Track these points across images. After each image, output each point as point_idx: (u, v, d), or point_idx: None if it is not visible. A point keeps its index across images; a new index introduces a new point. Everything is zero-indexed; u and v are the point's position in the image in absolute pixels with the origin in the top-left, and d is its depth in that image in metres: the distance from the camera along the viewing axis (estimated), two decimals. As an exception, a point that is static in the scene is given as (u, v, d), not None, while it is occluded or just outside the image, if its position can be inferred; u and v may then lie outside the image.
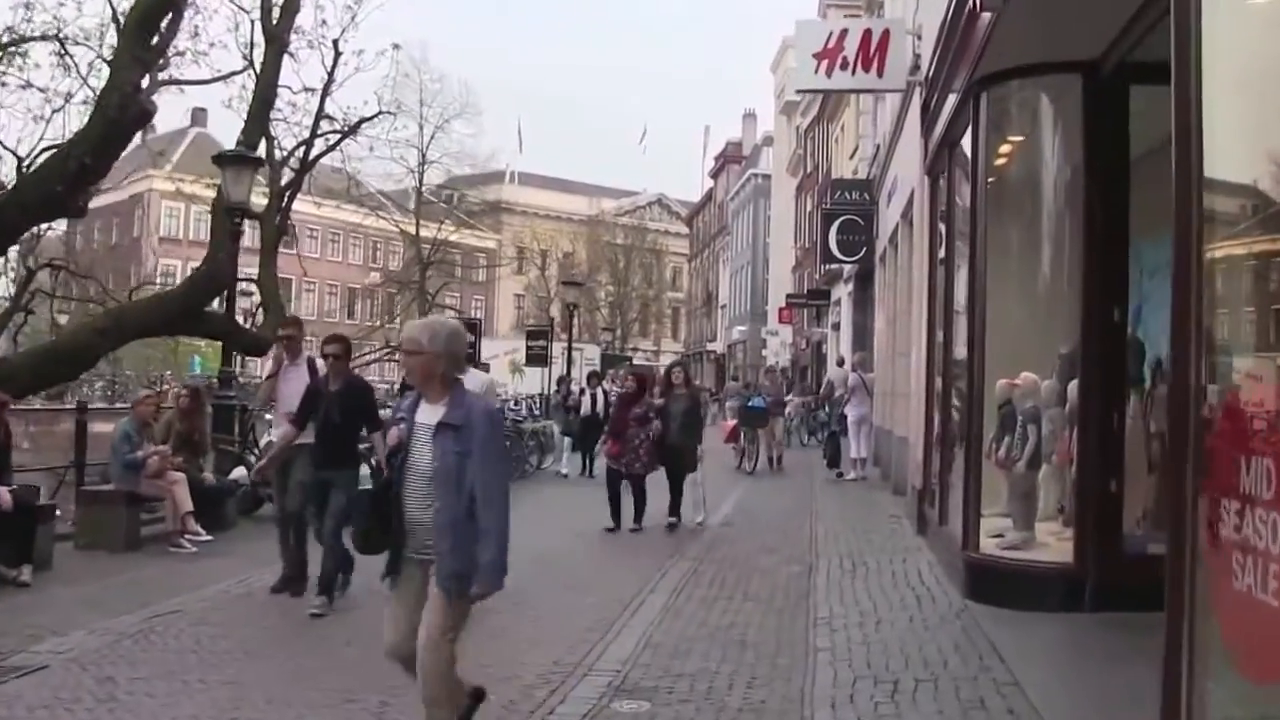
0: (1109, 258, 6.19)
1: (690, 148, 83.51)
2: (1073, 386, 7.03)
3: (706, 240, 66.06)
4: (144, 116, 10.44)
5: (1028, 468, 6.99)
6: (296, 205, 16.27)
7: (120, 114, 9.66)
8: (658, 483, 10.35)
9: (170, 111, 14.65)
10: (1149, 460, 6.59)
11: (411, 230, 26.15)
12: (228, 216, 11.37)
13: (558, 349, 23.50)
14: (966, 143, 7.70)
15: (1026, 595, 6.23)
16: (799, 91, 12.82)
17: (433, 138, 25.71)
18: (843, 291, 25.72)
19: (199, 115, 50.71)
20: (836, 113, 28.69)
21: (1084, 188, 6.29)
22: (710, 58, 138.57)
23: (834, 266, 26.89)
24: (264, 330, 14.17)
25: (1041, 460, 7.09)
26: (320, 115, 14.71)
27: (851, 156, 24.44)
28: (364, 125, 16.51)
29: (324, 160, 25.44)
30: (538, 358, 23.36)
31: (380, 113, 15.90)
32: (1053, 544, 6.98)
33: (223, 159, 11.17)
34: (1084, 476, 6.22)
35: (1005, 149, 7.44)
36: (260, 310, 14.47)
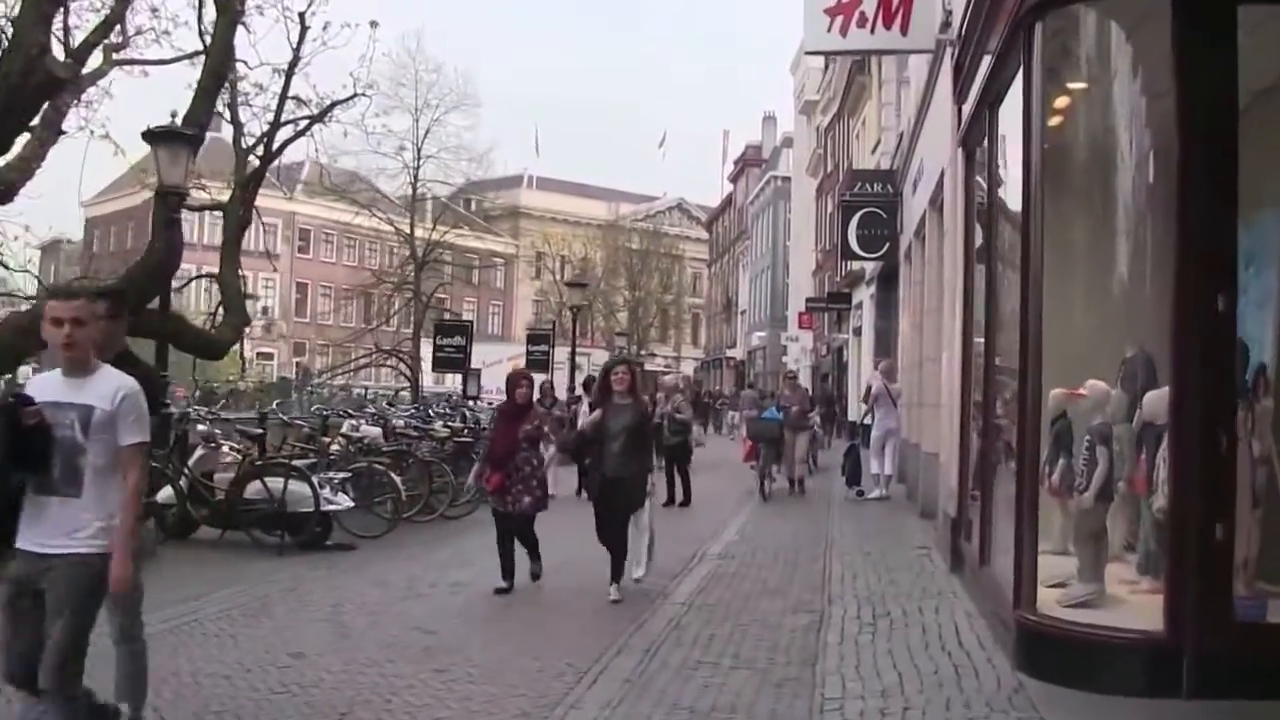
0: (1213, 231, 4.70)
1: (711, 152, 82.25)
2: (1152, 397, 5.55)
3: (726, 245, 64.81)
4: (52, 84, 9.13)
5: (1097, 500, 5.51)
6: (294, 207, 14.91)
7: (23, 80, 8.37)
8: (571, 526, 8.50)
9: (137, 98, 13.52)
10: (1254, 494, 5.12)
11: (414, 230, 24.77)
12: (162, 201, 10.05)
13: (564, 354, 22.14)
14: (1013, 98, 6.23)
15: (1102, 672, 4.74)
16: (808, 53, 11.36)
17: (428, 131, 24.48)
18: (864, 294, 24.23)
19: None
20: (858, 107, 27.21)
21: (1179, 143, 4.78)
22: (731, 61, 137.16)
23: (855, 267, 25.46)
24: (222, 331, 12.84)
25: (1113, 491, 5.61)
26: (285, 96, 13.37)
27: (873, 151, 22.98)
28: (347, 112, 15.22)
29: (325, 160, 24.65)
30: (538, 363, 21.96)
31: (355, 95, 14.44)
32: (1129, 599, 5.49)
33: (154, 136, 9.84)
34: (1180, 515, 4.72)
35: (1063, 101, 5.94)
36: (219, 309, 13.10)
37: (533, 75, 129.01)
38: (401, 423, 12.97)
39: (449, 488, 11.35)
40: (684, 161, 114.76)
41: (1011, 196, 6.56)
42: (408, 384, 22.28)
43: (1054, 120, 5.85)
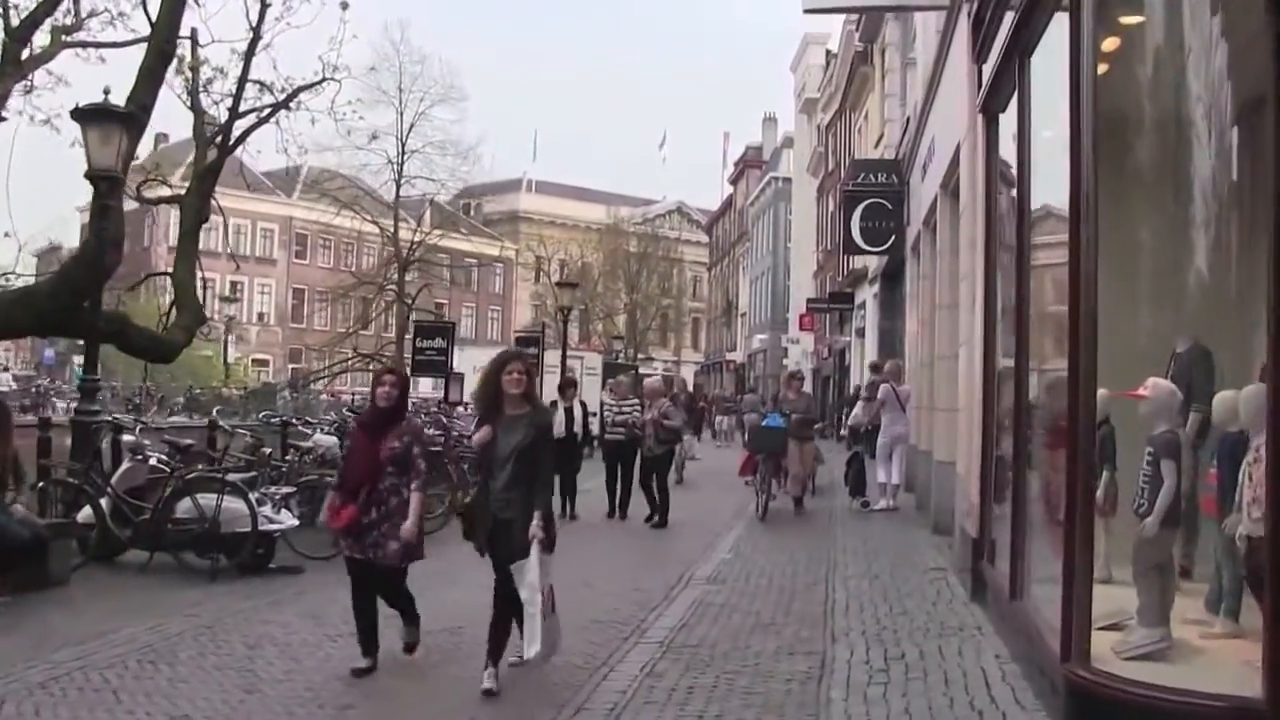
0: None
1: (712, 156, 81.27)
2: (1226, 399, 4.57)
3: (726, 248, 63.99)
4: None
5: (1162, 526, 4.49)
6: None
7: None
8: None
9: (92, 82, 12.55)
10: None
11: (398, 229, 23.63)
12: (94, 186, 9.07)
13: (557, 357, 21.08)
14: (1050, 44, 5.25)
15: (1179, 749, 3.73)
16: (806, 11, 10.24)
17: (413, 125, 23.44)
18: (867, 294, 23.23)
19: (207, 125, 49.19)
20: (860, 100, 26.23)
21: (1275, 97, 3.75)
22: (732, 63, 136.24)
23: (858, 265, 24.49)
24: (173, 332, 11.84)
25: (1180, 517, 4.60)
26: (245, 79, 12.36)
27: (877, 145, 22.00)
28: (319, 100, 14.27)
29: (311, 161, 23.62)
30: (528, 367, 20.91)
31: (324, 80, 13.43)
32: (1204, 649, 4.48)
33: (83, 115, 8.88)
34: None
35: (1112, 43, 4.94)
36: (172, 309, 12.10)
37: (531, 79, 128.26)
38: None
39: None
40: (685, 165, 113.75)
41: (1047, 164, 5.56)
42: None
43: (1104, 67, 4.85)
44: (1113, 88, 4.91)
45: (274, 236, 61.18)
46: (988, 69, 6.94)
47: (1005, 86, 6.49)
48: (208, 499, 7.88)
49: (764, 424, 12.40)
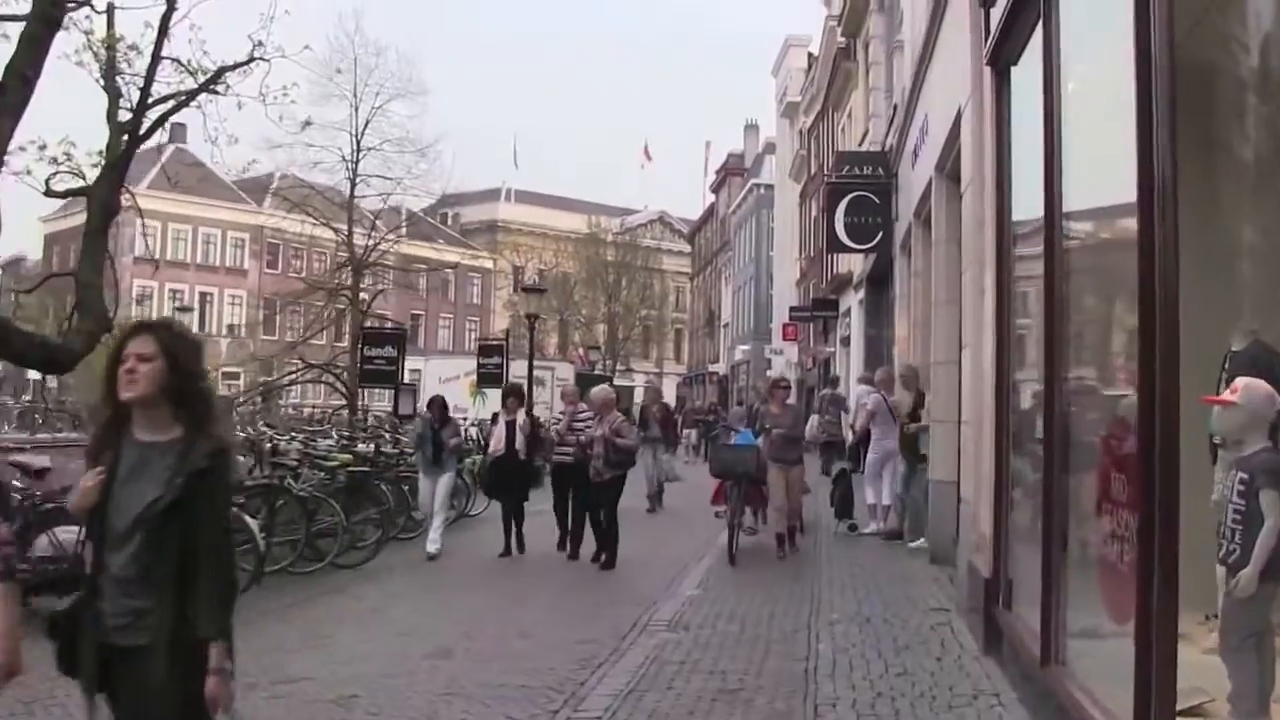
0: None
1: (696, 166, 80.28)
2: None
3: (708, 257, 63.02)
4: None
5: (1263, 581, 3.29)
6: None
7: None
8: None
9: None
10: None
11: (352, 231, 22.18)
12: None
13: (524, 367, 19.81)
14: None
15: None
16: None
17: (368, 122, 22.10)
18: (852, 300, 22.12)
19: (177, 131, 47.68)
20: (843, 99, 25.18)
21: None
22: (715, 72, 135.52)
23: (842, 270, 23.42)
24: (72, 337, 10.48)
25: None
26: (159, 54, 11.06)
27: (861, 143, 20.91)
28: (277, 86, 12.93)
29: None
30: (491, 377, 19.67)
31: (253, 59, 12.09)
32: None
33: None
34: None
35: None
36: (74, 313, 10.75)
37: (516, 88, 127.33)
38: (298, 447, 10.68)
39: (338, 529, 9.12)
40: (669, 176, 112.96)
41: (1088, 121, 4.39)
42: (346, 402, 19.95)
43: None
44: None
45: (245, 246, 59.87)
46: (997, 12, 5.77)
47: (1021, 30, 5.32)
48: (69, 534, 6.57)
49: (733, 443, 10.51)
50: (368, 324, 20.49)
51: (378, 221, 22.16)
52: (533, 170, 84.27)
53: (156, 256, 53.18)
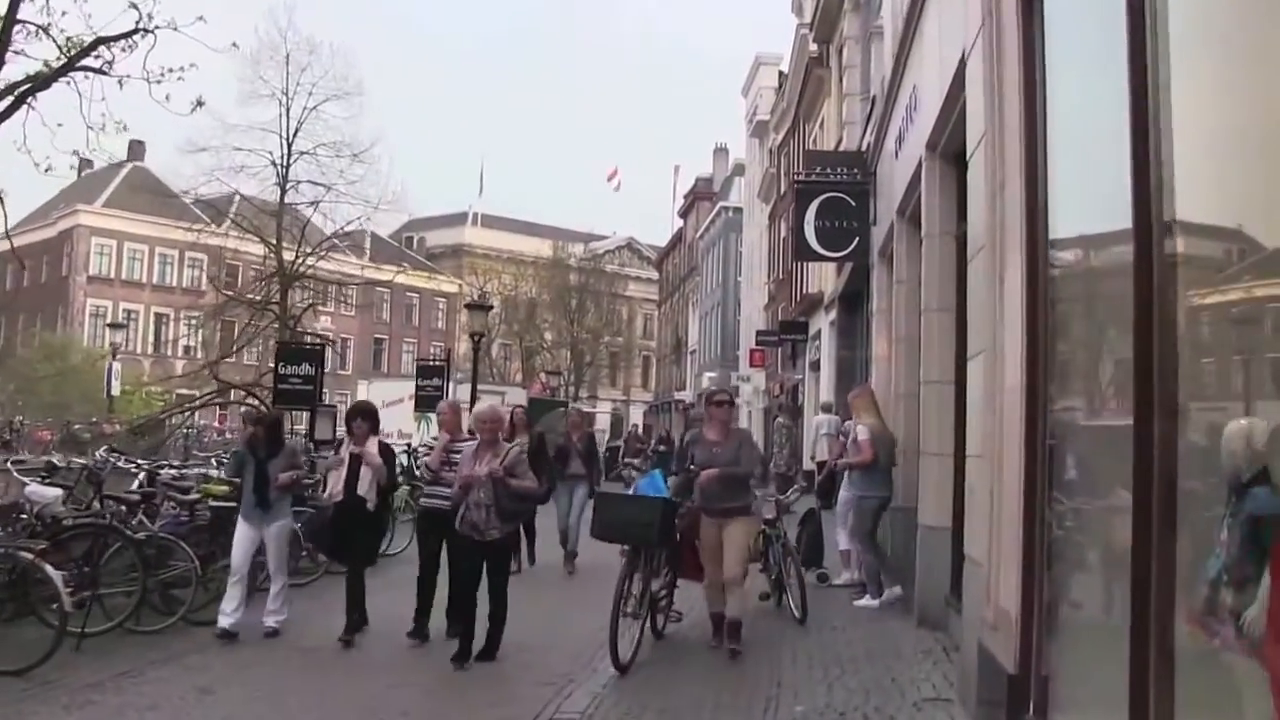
0: None
1: (666, 192, 79.39)
2: None
3: (676, 283, 61.80)
4: None
5: None
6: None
7: None
8: None
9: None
10: None
11: (281, 241, 20.30)
12: None
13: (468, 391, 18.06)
14: None
15: None
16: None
17: (301, 123, 20.31)
18: (823, 321, 20.63)
19: (136, 148, 45.60)
20: (814, 109, 23.85)
21: None
22: (689, 99, 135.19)
23: (813, 290, 21.94)
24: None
25: None
26: (12, 20, 9.36)
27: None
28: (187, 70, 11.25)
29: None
30: (430, 400, 17.91)
31: (137, 31, 10.44)
32: None
33: None
34: None
35: None
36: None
37: (480, 113, 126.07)
38: (143, 477, 8.89)
39: (191, 577, 7.28)
40: (639, 202, 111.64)
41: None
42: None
43: None
44: None
45: (202, 266, 58.27)
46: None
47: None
48: None
49: (635, 490, 7.30)
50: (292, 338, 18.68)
51: (305, 230, 20.37)
52: (501, 196, 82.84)
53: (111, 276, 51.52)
